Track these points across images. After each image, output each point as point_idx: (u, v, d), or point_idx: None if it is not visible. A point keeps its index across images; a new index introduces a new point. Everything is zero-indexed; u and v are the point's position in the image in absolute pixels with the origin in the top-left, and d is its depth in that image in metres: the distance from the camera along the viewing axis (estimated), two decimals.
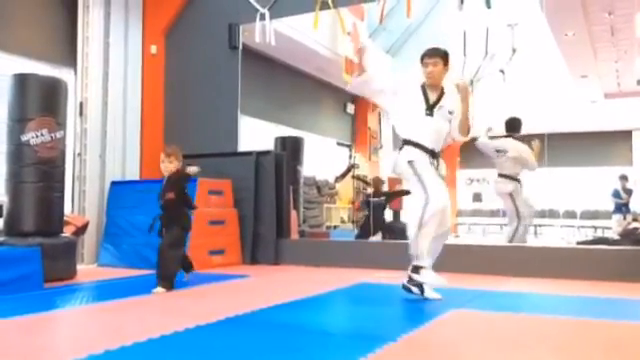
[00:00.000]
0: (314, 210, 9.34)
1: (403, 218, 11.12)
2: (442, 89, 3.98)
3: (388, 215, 11.32)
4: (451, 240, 8.96)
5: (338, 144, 11.57)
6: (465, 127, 3.94)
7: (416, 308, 3.71)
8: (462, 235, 13.15)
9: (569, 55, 9.37)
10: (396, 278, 5.02)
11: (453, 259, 5.63)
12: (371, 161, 11.80)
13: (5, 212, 4.91)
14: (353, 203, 10.49)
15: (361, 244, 7.34)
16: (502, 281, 4.89)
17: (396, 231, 10.03)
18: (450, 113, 3.92)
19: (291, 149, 8.12)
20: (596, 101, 11.73)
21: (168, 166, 4.45)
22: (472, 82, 9.73)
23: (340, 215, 10.36)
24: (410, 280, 3.90)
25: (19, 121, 4.83)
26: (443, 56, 3.97)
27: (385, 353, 2.49)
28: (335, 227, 9.77)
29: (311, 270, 5.82)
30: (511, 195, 6.44)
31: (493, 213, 13.01)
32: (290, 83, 9.76)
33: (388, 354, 2.49)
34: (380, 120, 12.48)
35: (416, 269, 3.79)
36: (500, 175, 6.58)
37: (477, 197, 13.32)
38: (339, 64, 9.36)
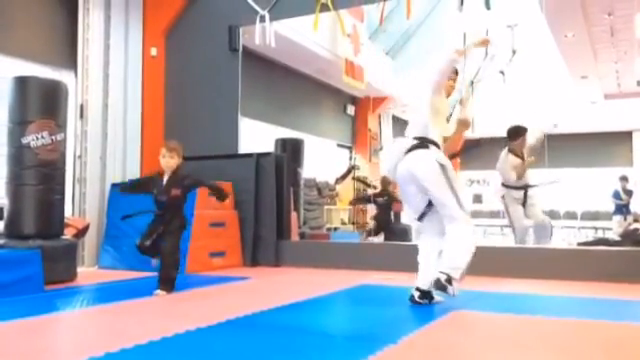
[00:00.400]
0: (314, 212, 9.35)
1: (404, 219, 11.11)
2: None
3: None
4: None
5: (338, 145, 11.57)
6: (451, 150, 3.95)
7: (417, 310, 3.71)
8: None
9: (569, 56, 9.38)
10: (396, 280, 5.03)
11: None
12: (371, 162, 11.81)
13: (6, 214, 4.91)
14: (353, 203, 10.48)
15: (362, 246, 7.34)
16: (503, 282, 4.89)
17: (397, 232, 10.02)
18: None
19: (291, 151, 8.13)
20: (596, 102, 11.74)
21: (169, 161, 4.35)
22: (472, 83, 9.75)
23: (340, 217, 10.36)
24: (430, 293, 3.72)
25: (20, 123, 4.83)
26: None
27: (385, 355, 2.49)
28: (335, 229, 9.77)
29: (312, 272, 5.82)
30: (503, 200, 6.43)
31: (493, 214, 13.01)
32: (290, 85, 9.77)
33: (389, 356, 2.49)
34: (380, 121, 12.49)
35: (450, 281, 3.54)
36: None
37: (477, 198, 13.32)
38: (339, 66, 9.38)
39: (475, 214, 13.32)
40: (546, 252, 5.54)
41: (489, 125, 9.71)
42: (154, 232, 4.33)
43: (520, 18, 9.34)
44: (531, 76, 10.63)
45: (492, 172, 7.07)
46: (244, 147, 7.09)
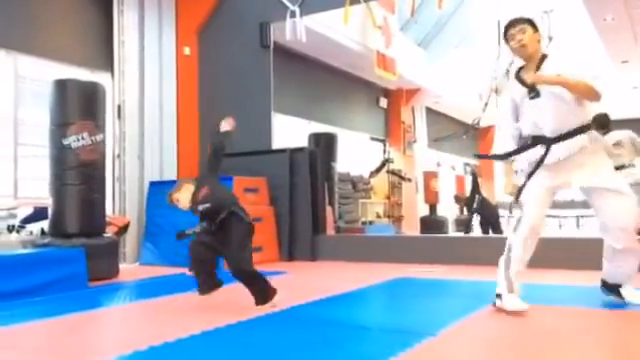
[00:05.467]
0: (349, 206, 9.34)
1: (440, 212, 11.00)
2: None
3: (424, 209, 11.21)
4: (491, 232, 8.79)
5: (372, 139, 11.50)
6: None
7: (455, 302, 3.67)
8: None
9: (609, 40, 9.08)
10: (434, 272, 4.99)
11: (491, 252, 5.55)
12: (406, 155, 11.71)
13: (50, 214, 5.07)
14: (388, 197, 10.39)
15: (397, 239, 7.31)
16: (542, 273, 4.78)
17: (432, 225, 9.91)
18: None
19: (325, 145, 8.14)
20: (638, 87, 11.34)
21: (180, 198, 3.60)
22: (507, 72, 9.54)
23: (375, 210, 10.32)
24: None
25: (60, 125, 4.98)
26: (528, 21, 3.25)
27: (425, 348, 2.48)
28: (371, 222, 9.75)
29: (348, 266, 5.83)
30: None
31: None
32: (322, 79, 9.76)
33: (428, 349, 2.47)
34: (414, 113, 12.35)
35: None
36: None
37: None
38: (370, 58, 9.31)
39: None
40: (586, 243, 5.39)
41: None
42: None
43: (556, 3, 9.10)
44: (569, 62, 10.33)
45: None
46: (277, 143, 7.12)
